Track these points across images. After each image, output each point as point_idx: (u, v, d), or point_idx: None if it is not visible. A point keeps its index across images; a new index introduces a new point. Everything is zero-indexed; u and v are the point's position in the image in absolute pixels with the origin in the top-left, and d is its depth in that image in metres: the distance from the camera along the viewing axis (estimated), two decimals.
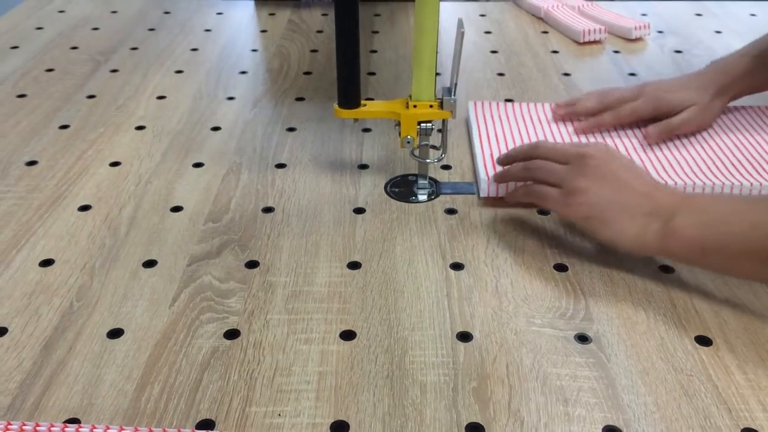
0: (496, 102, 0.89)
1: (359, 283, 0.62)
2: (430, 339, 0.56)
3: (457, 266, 0.64)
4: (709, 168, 0.74)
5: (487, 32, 1.17)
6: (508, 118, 0.85)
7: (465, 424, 0.49)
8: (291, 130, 0.87)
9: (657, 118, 0.80)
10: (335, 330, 0.57)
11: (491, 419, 0.50)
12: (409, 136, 0.71)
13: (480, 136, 0.81)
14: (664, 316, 0.58)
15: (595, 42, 1.12)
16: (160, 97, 0.94)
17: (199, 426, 0.49)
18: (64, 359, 0.54)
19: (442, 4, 0.66)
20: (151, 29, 1.17)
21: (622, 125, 0.82)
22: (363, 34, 1.14)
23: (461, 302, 0.60)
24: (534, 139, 0.81)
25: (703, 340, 0.56)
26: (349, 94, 0.71)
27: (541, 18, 1.22)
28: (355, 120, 0.74)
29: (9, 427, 0.47)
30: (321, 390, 0.52)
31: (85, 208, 0.72)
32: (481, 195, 0.73)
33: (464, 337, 0.57)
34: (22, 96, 0.94)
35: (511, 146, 0.79)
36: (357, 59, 0.69)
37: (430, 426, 0.49)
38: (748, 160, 0.76)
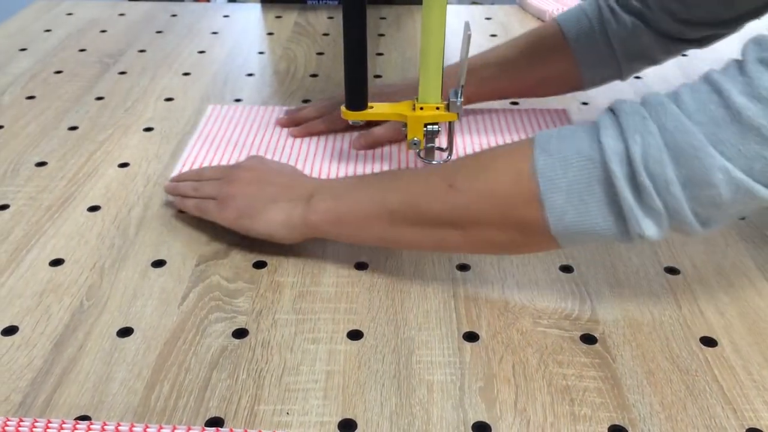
0: (235, 106, 0.91)
1: (366, 284, 0.63)
2: (436, 339, 0.57)
3: (463, 267, 0.64)
4: None
5: (493, 35, 1.17)
6: (244, 122, 0.86)
7: (471, 423, 0.50)
8: None
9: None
10: (342, 330, 0.58)
11: (497, 418, 0.50)
12: (415, 138, 0.72)
13: (197, 141, 0.82)
14: (669, 317, 0.59)
15: None
16: (168, 99, 0.95)
17: (208, 424, 0.50)
18: (74, 357, 0.55)
19: (447, 7, 0.66)
20: (159, 32, 1.18)
21: (338, 130, 0.83)
22: (369, 37, 1.14)
23: (468, 302, 0.60)
24: (259, 143, 0.83)
25: (708, 341, 0.57)
26: (357, 97, 0.72)
27: (545, 21, 1.22)
28: (362, 122, 0.74)
29: (21, 424, 0.48)
30: (329, 389, 0.52)
31: (94, 208, 0.72)
32: (166, 201, 0.74)
33: (471, 337, 0.57)
34: (31, 98, 0.95)
35: (229, 151, 0.81)
36: (365, 62, 0.70)
37: (437, 425, 0.50)
38: None
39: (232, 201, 0.64)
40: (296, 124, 0.85)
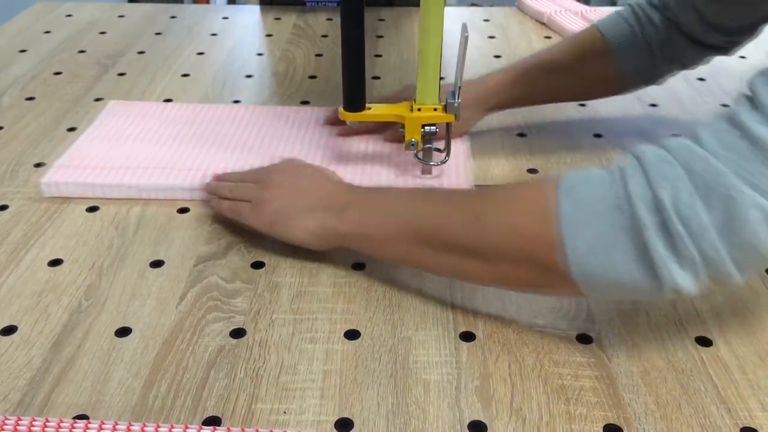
0: (141, 102, 0.91)
1: (363, 284, 0.63)
2: (433, 339, 0.57)
3: None
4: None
5: (491, 37, 1.18)
6: (143, 119, 0.87)
7: (468, 422, 0.50)
8: None
9: None
10: (340, 329, 0.58)
11: (494, 417, 0.50)
12: (413, 139, 0.72)
13: (89, 135, 0.83)
14: (664, 317, 0.59)
15: None
16: (167, 101, 0.95)
17: (205, 423, 0.50)
18: (73, 357, 0.55)
19: (446, 8, 0.67)
20: (158, 33, 1.18)
21: (371, 131, 0.83)
22: (367, 39, 1.15)
23: (464, 303, 0.61)
24: (159, 138, 0.82)
25: (704, 341, 0.57)
26: (355, 98, 0.72)
27: (544, 23, 1.23)
28: (360, 123, 0.74)
29: (19, 423, 0.48)
30: (326, 388, 0.53)
31: (93, 209, 0.73)
32: (44, 194, 0.74)
33: (467, 336, 0.57)
34: (30, 99, 0.95)
35: (123, 146, 0.80)
36: (363, 63, 0.70)
37: (433, 424, 0.50)
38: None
39: (268, 205, 0.64)
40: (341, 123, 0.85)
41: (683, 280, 0.47)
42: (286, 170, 0.68)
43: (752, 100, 0.47)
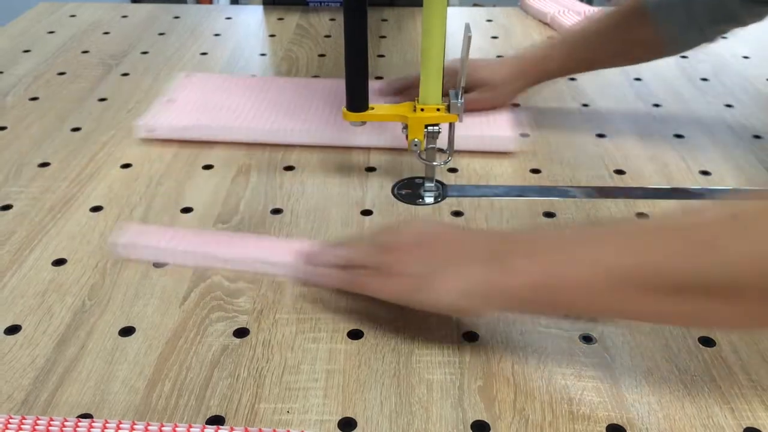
0: (209, 74, 1.00)
1: None
2: (436, 338, 0.57)
3: None
4: None
5: (494, 37, 1.18)
6: (214, 90, 0.92)
7: (471, 422, 0.50)
8: None
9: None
10: (343, 329, 0.58)
11: (497, 417, 0.50)
12: (416, 140, 0.72)
13: (173, 92, 0.91)
14: None
15: None
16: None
17: (209, 422, 0.50)
18: (76, 356, 0.55)
19: (449, 9, 0.67)
20: (161, 33, 1.18)
21: None
22: (370, 39, 1.15)
23: None
24: (227, 103, 0.88)
25: (707, 341, 0.57)
26: (358, 98, 0.72)
27: (547, 23, 1.23)
28: (363, 123, 0.74)
29: (23, 422, 0.48)
30: (329, 387, 0.53)
31: (96, 209, 0.73)
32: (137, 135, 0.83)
33: (470, 337, 0.57)
34: (34, 99, 0.95)
35: (195, 109, 0.87)
36: (365, 63, 0.70)
37: (436, 423, 0.50)
38: None
39: (401, 269, 0.54)
40: (398, 93, 0.87)
41: None
42: (413, 228, 0.57)
43: None
